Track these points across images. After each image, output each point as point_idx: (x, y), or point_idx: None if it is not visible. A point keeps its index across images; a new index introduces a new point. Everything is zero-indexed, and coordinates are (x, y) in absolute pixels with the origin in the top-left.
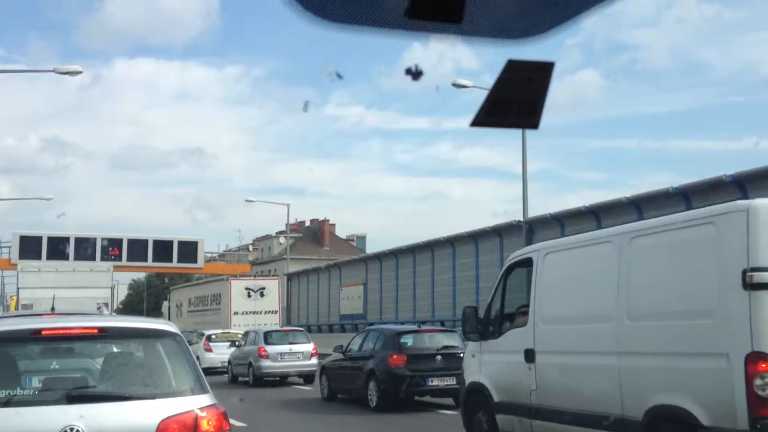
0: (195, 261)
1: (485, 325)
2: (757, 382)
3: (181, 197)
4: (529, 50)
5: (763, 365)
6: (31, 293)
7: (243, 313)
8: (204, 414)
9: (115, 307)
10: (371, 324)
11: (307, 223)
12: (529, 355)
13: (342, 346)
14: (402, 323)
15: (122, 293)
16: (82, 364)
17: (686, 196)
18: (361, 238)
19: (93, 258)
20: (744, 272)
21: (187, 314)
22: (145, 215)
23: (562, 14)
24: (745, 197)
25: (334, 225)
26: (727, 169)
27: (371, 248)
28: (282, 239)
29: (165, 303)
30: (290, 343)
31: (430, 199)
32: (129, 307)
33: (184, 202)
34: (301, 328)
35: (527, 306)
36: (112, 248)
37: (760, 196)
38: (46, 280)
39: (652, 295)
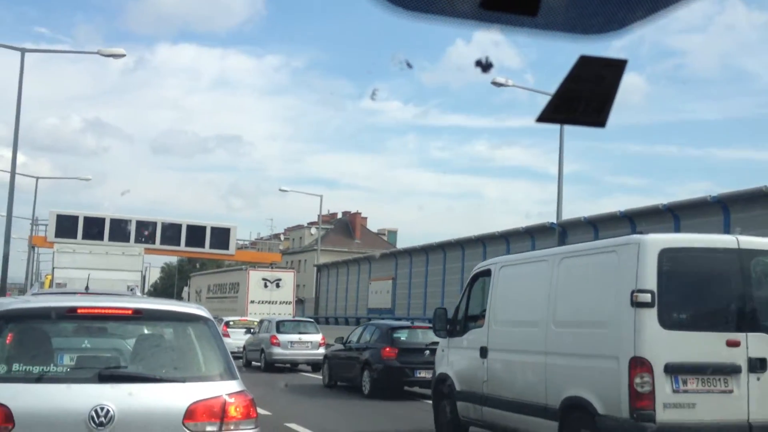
0: (227, 248)
1: (453, 324)
2: (637, 380)
3: (217, 183)
4: (599, 47)
5: (642, 368)
6: (65, 273)
7: (259, 302)
8: (232, 400)
9: (146, 289)
10: (398, 319)
11: (339, 215)
12: (483, 352)
13: (343, 337)
14: (426, 320)
15: (154, 276)
16: (114, 344)
17: (725, 206)
18: (392, 233)
19: (127, 240)
20: (632, 293)
21: (206, 300)
22: (181, 200)
23: (637, 12)
24: None
25: (365, 218)
26: None
27: (402, 243)
28: (313, 230)
29: (185, 288)
30: (300, 333)
31: (464, 197)
32: (160, 290)
33: (220, 188)
34: (311, 320)
35: (485, 309)
36: (146, 231)
37: None
38: (80, 261)
39: (571, 306)
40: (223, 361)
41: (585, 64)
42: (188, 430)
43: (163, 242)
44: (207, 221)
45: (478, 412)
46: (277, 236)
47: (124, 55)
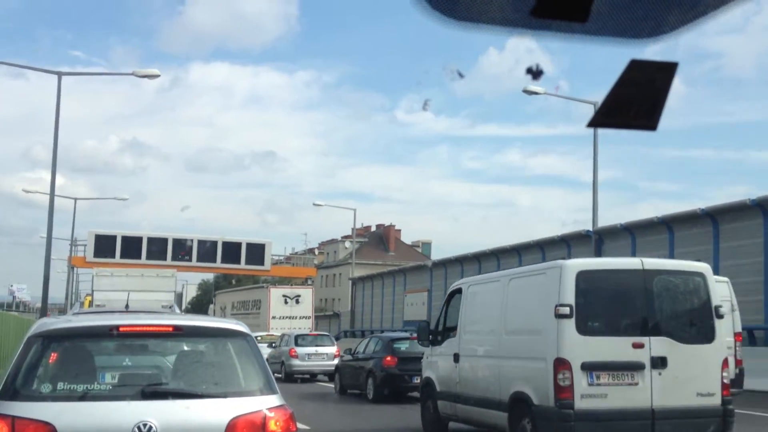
0: (262, 263)
1: (434, 335)
2: (560, 377)
3: (253, 200)
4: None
5: (563, 366)
6: (104, 295)
7: (280, 318)
8: (272, 414)
9: (183, 306)
10: None
11: (373, 228)
12: (456, 357)
13: (351, 349)
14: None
15: (191, 292)
16: (155, 361)
17: (764, 209)
18: (426, 245)
19: (164, 258)
20: (555, 306)
21: (230, 317)
22: (217, 217)
23: (687, 15)
24: None
25: (399, 231)
26: None
27: (436, 255)
28: (347, 243)
29: (211, 306)
30: (317, 346)
31: (498, 207)
32: (197, 307)
33: (255, 204)
34: (327, 333)
35: (458, 322)
36: (182, 249)
37: None
38: (117, 284)
39: (516, 318)
40: (263, 376)
41: (635, 68)
42: None
43: (199, 259)
44: (242, 237)
45: (453, 408)
46: (311, 251)
47: (158, 75)
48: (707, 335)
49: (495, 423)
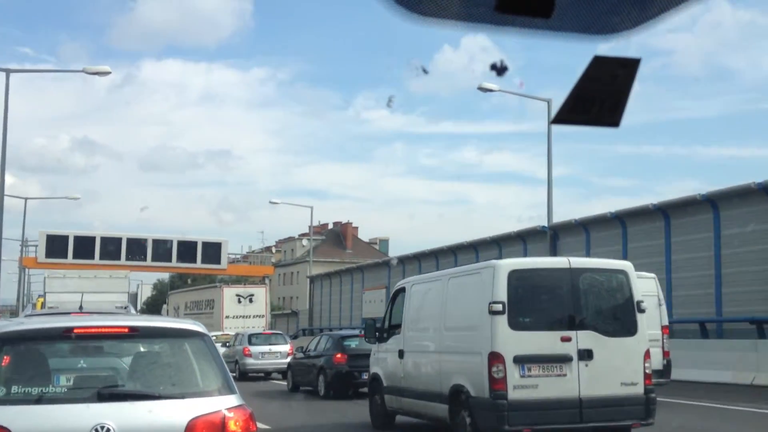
0: (218, 262)
1: (380, 332)
2: (494, 369)
3: (208, 198)
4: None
5: (497, 360)
6: (57, 297)
7: (234, 317)
8: (232, 414)
9: (139, 306)
10: None
11: (330, 226)
12: (401, 353)
13: (302, 347)
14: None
15: (146, 293)
16: (111, 363)
17: (714, 204)
18: (384, 242)
19: (118, 258)
20: (489, 304)
21: (184, 317)
22: (172, 216)
23: (649, 11)
24: None
25: (357, 228)
26: (755, 176)
27: (394, 252)
28: (305, 241)
29: (164, 306)
30: (270, 344)
31: (454, 204)
32: (152, 307)
33: (211, 203)
34: (281, 332)
35: (402, 319)
36: (136, 248)
37: None
38: (70, 285)
39: (455, 315)
40: (221, 376)
41: (598, 64)
42: None
43: (154, 259)
44: (198, 236)
45: (399, 402)
46: (268, 249)
47: (109, 73)
48: (630, 329)
49: (437, 415)
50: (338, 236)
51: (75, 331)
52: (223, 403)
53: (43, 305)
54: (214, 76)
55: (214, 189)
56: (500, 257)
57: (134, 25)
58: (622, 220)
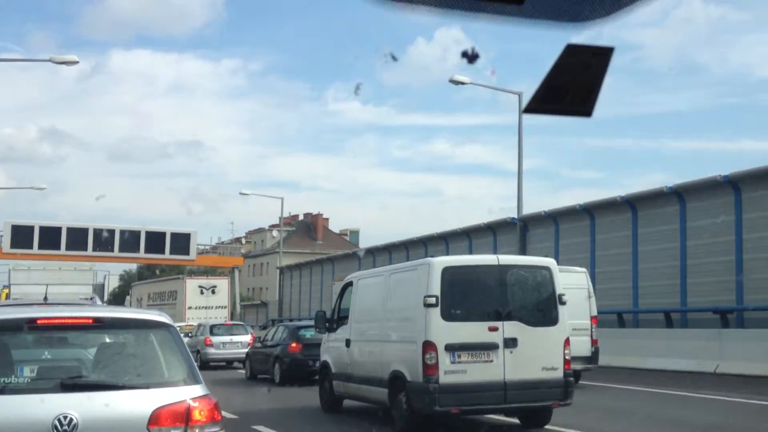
0: (187, 253)
1: (330, 322)
2: (427, 356)
3: (177, 189)
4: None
5: (430, 348)
6: (21, 289)
7: (196, 308)
8: (196, 404)
9: (106, 297)
10: None
11: (301, 217)
12: (348, 342)
13: (260, 337)
14: None
15: (114, 283)
16: (75, 353)
17: (680, 196)
18: (355, 233)
19: (85, 249)
20: (424, 297)
21: (147, 308)
22: (141, 207)
23: (622, 0)
24: (739, 197)
25: (327, 219)
26: (722, 169)
27: (364, 243)
28: (275, 232)
29: (127, 297)
30: (232, 335)
31: (425, 196)
32: (120, 298)
33: (181, 194)
34: (242, 322)
35: (349, 311)
36: (103, 239)
37: (753, 196)
38: (34, 278)
39: (395, 307)
40: (186, 367)
41: (571, 53)
42: None
43: (121, 250)
44: (167, 227)
45: (346, 387)
46: (238, 240)
47: (77, 62)
48: (552, 319)
49: (378, 398)
50: (309, 227)
51: (39, 322)
52: (188, 393)
53: (8, 296)
54: (185, 66)
55: (184, 180)
56: (470, 248)
57: (104, 14)
58: (590, 212)
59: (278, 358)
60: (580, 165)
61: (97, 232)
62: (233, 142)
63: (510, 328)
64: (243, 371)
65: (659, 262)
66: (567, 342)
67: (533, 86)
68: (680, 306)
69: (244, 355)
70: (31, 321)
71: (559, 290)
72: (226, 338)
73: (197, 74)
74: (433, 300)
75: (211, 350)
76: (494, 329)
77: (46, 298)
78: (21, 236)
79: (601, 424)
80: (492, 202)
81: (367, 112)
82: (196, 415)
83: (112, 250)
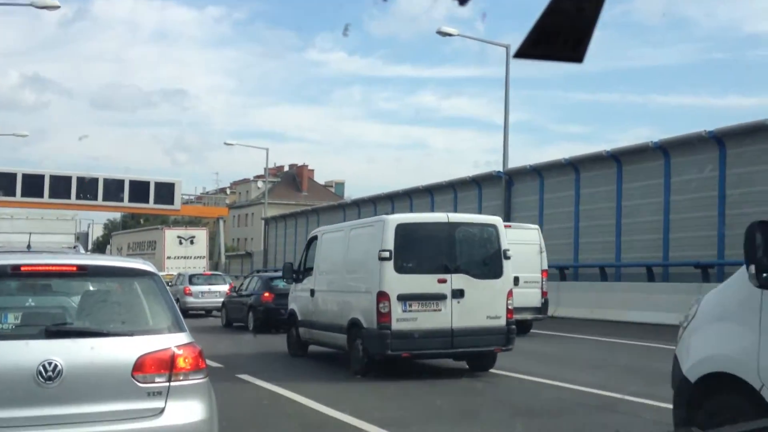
0: (171, 203)
1: (297, 273)
2: (380, 305)
3: (162, 138)
4: None
5: (383, 298)
6: (4, 237)
7: (175, 258)
8: (181, 351)
9: (90, 246)
10: None
11: (286, 168)
12: (312, 292)
13: (236, 287)
14: None
15: (98, 232)
16: (59, 301)
17: (665, 151)
18: (340, 185)
19: (68, 197)
20: (379, 251)
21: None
22: (125, 155)
23: None
24: (724, 153)
25: (312, 171)
26: (709, 125)
27: (350, 195)
28: (260, 183)
29: (108, 246)
30: (210, 284)
31: (412, 148)
32: (103, 247)
33: (165, 143)
34: (220, 273)
35: (314, 263)
36: (87, 187)
37: (738, 151)
38: (18, 226)
39: (353, 260)
40: (171, 315)
41: None
42: (137, 381)
43: (105, 198)
44: (152, 176)
45: (310, 333)
46: (223, 190)
47: (58, 7)
48: (497, 272)
49: (339, 343)
50: (294, 178)
51: (23, 269)
52: (173, 341)
53: None
54: (168, 13)
55: (168, 129)
56: (455, 202)
57: None
58: (575, 166)
59: (252, 307)
60: (566, 119)
61: (81, 180)
62: (218, 91)
63: (457, 280)
64: (220, 320)
65: (643, 217)
66: (510, 293)
67: (519, 39)
68: (662, 260)
69: (221, 304)
70: (15, 268)
71: (504, 246)
72: (205, 288)
73: (181, 21)
74: (386, 254)
75: (190, 299)
76: (443, 281)
77: (29, 246)
78: (4, 183)
79: (538, 367)
80: (478, 156)
81: (353, 62)
82: (181, 363)
83: (96, 199)
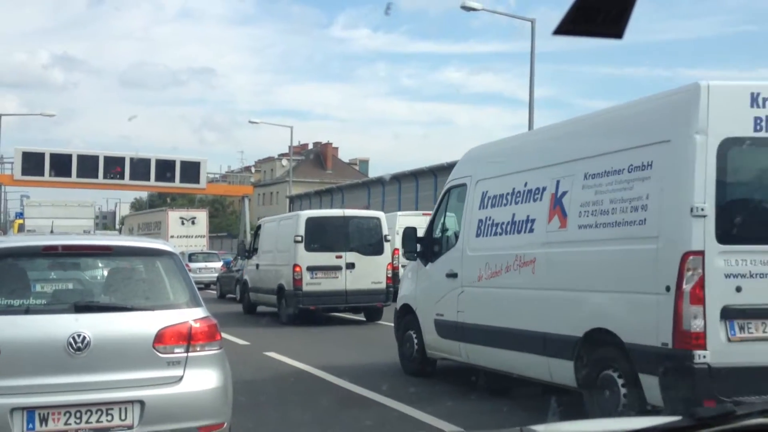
0: (197, 181)
1: (249, 252)
2: (295, 274)
3: (189, 117)
4: None
5: (297, 268)
6: (34, 222)
7: (178, 237)
8: (198, 325)
9: (117, 225)
10: None
11: (311, 146)
12: (257, 266)
13: (229, 262)
14: None
15: (125, 211)
16: (87, 278)
17: None
18: (364, 162)
19: (95, 176)
20: (294, 236)
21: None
22: (153, 134)
23: None
24: None
25: (337, 148)
26: None
27: (374, 173)
28: (284, 161)
29: (122, 227)
30: (206, 262)
31: (436, 125)
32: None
33: (193, 122)
34: (215, 252)
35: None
36: (114, 167)
37: None
38: (45, 212)
39: (280, 243)
40: (189, 291)
41: None
42: (158, 352)
43: (132, 177)
44: (177, 155)
45: (257, 296)
46: (248, 169)
47: None
48: (378, 251)
49: (272, 302)
50: (318, 156)
51: (54, 248)
52: (191, 315)
53: (20, 227)
54: None
55: (195, 107)
56: None
57: None
58: None
59: (238, 281)
60: (592, 94)
61: (108, 160)
62: (242, 69)
63: (350, 256)
64: (214, 292)
65: None
66: (390, 265)
67: (546, 14)
68: None
69: (215, 279)
70: (47, 248)
71: (384, 232)
72: (202, 264)
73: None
74: (299, 238)
75: (189, 275)
76: (339, 257)
77: (52, 231)
78: (32, 163)
79: None
80: (503, 132)
81: (377, 39)
82: (198, 335)
83: (123, 178)
